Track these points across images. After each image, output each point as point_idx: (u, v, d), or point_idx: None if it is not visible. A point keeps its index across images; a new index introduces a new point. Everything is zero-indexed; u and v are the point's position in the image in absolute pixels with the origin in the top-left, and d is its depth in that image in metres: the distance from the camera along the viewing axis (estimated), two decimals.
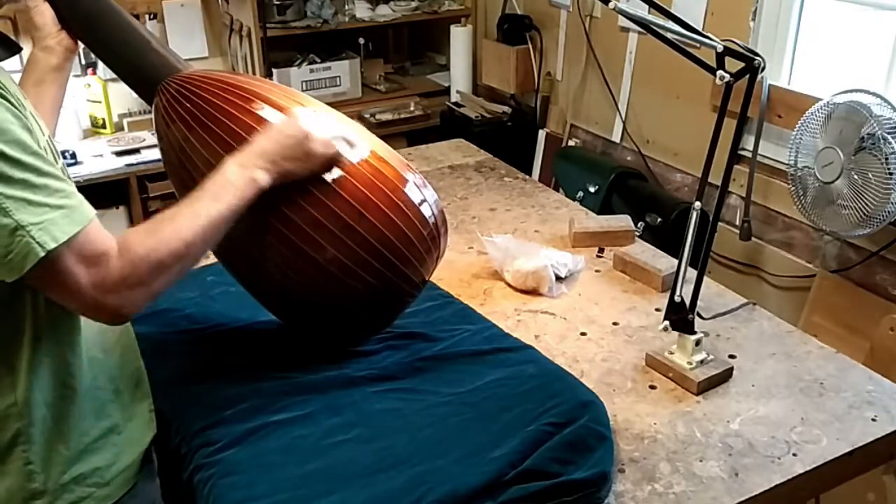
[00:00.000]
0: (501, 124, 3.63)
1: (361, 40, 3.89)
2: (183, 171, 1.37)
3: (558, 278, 1.88)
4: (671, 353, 1.59)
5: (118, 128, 3.55)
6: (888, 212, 2.06)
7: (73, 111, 3.36)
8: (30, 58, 1.33)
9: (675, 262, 1.64)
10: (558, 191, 2.99)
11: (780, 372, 1.60)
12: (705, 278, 1.59)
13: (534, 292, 1.85)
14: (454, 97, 3.90)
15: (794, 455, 1.38)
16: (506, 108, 3.69)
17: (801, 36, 2.56)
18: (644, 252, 2.00)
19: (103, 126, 3.51)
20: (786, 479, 1.34)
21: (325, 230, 1.32)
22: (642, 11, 1.47)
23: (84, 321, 1.12)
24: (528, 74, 3.62)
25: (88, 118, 3.51)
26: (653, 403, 1.51)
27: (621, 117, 3.21)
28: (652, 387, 1.56)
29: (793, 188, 2.31)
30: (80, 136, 3.46)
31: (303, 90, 3.62)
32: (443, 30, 3.98)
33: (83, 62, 3.36)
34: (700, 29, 1.43)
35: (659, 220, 2.75)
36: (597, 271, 1.97)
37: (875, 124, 2.05)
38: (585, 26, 3.27)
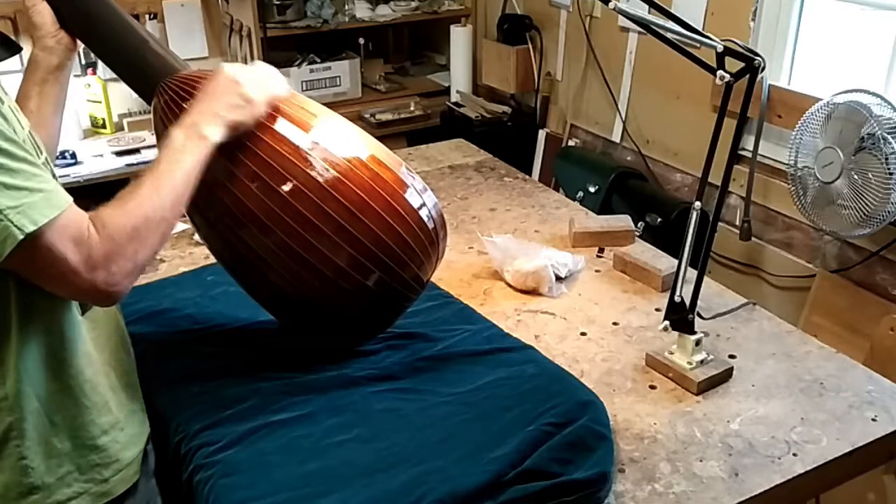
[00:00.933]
0: (501, 124, 3.63)
1: (361, 40, 3.89)
2: None
3: (558, 278, 1.88)
4: (671, 353, 1.59)
5: (118, 128, 3.55)
6: (888, 212, 2.06)
7: (73, 111, 3.36)
8: (31, 58, 1.33)
9: (675, 262, 1.64)
10: (558, 191, 2.98)
11: (780, 372, 1.60)
12: (705, 278, 1.59)
13: (534, 292, 1.85)
14: (454, 97, 3.90)
15: (794, 455, 1.38)
16: (506, 108, 3.68)
17: (801, 36, 2.56)
18: (644, 252, 2.00)
19: (103, 126, 3.51)
20: (786, 479, 1.34)
21: (324, 235, 1.32)
22: (642, 11, 1.47)
23: (74, 316, 1.12)
24: (528, 74, 3.62)
25: (88, 118, 3.51)
26: (653, 403, 1.51)
27: (621, 117, 3.21)
28: (652, 387, 1.56)
29: (793, 188, 2.31)
30: (80, 136, 3.46)
31: (303, 90, 3.62)
32: (443, 30, 3.98)
33: (83, 62, 3.36)
34: (700, 29, 1.43)
35: (659, 220, 2.75)
36: (597, 271, 1.97)
37: (875, 124, 2.05)
38: (585, 26, 3.27)
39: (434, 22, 3.95)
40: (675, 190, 3.01)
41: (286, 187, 1.30)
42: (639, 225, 2.68)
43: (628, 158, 3.21)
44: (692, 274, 1.56)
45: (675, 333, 1.58)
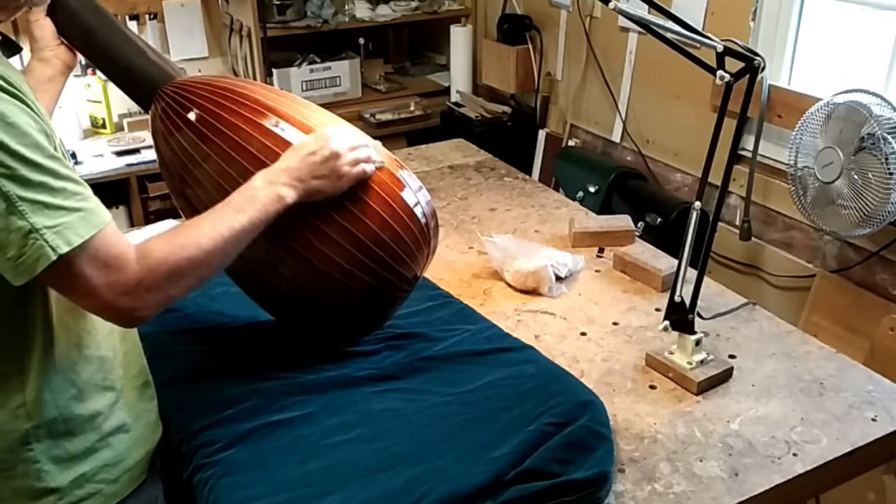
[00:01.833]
0: (501, 124, 3.63)
1: (361, 40, 3.89)
2: (180, 180, 1.39)
3: (558, 278, 1.88)
4: (671, 353, 1.59)
5: (118, 128, 3.55)
6: (888, 212, 2.06)
7: (73, 111, 3.36)
8: (27, 67, 1.34)
9: (675, 262, 1.65)
10: (558, 191, 2.99)
11: (780, 372, 1.60)
12: (705, 278, 1.59)
13: (534, 292, 1.86)
14: (454, 97, 3.90)
15: (794, 455, 1.38)
16: (506, 108, 3.68)
17: (801, 36, 2.56)
18: (644, 252, 2.00)
19: (103, 126, 3.51)
20: (786, 479, 1.34)
21: (329, 238, 1.34)
22: (642, 11, 1.47)
23: (94, 321, 1.12)
24: (528, 74, 3.62)
25: (88, 118, 3.51)
26: (653, 403, 1.51)
27: (621, 117, 3.21)
28: (652, 387, 1.56)
29: (793, 188, 2.31)
30: (80, 136, 3.46)
31: (303, 90, 3.62)
32: (443, 30, 3.98)
33: (83, 62, 3.35)
34: (700, 29, 1.43)
35: (659, 220, 2.75)
36: (597, 271, 1.97)
37: (875, 124, 2.05)
38: (585, 26, 3.27)
39: (434, 22, 3.95)
40: (675, 190, 3.01)
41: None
42: (639, 225, 2.68)
43: (628, 158, 3.21)
44: (692, 274, 1.56)
45: (675, 333, 1.58)
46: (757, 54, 1.41)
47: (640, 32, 3.00)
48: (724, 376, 1.57)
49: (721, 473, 1.34)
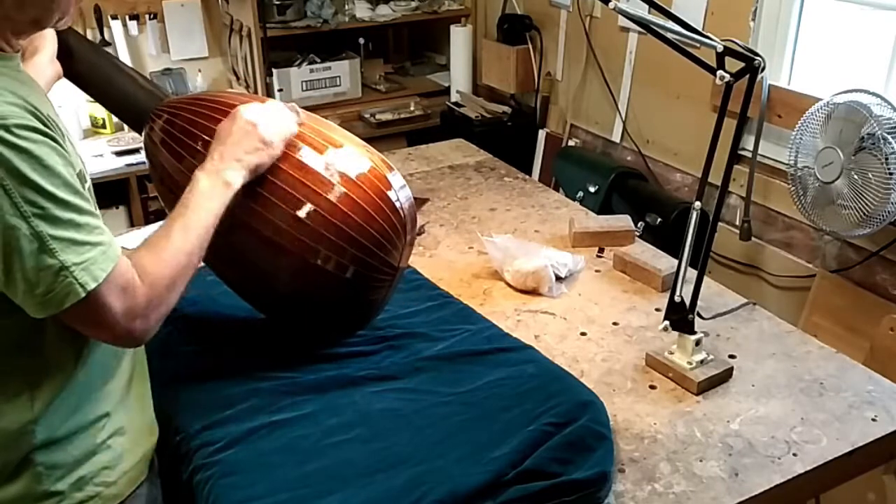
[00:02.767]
0: (501, 124, 3.63)
1: (361, 40, 3.88)
2: (172, 196, 1.43)
3: (558, 278, 1.88)
4: (671, 353, 1.59)
5: (118, 128, 3.54)
6: (888, 212, 2.06)
7: (73, 111, 3.36)
8: None
9: (675, 262, 1.65)
10: (558, 191, 2.98)
11: (779, 372, 1.60)
12: (705, 278, 1.59)
13: (534, 292, 1.85)
14: (454, 97, 3.90)
15: (794, 455, 1.38)
16: (506, 108, 3.68)
17: (801, 36, 2.56)
18: (644, 252, 2.00)
19: (103, 126, 3.51)
20: (786, 479, 1.34)
21: (324, 238, 1.37)
22: (642, 11, 1.47)
23: None
24: (528, 74, 3.62)
25: (88, 118, 3.51)
26: (653, 403, 1.51)
27: (621, 117, 3.21)
28: (652, 387, 1.56)
29: (793, 188, 2.31)
30: (80, 136, 3.46)
31: (303, 90, 3.62)
32: (443, 30, 3.98)
33: None
34: (700, 29, 1.43)
35: (659, 220, 2.75)
36: (597, 271, 1.97)
37: (875, 124, 2.05)
38: (585, 26, 3.27)
39: (434, 22, 3.95)
40: (675, 190, 3.01)
41: (302, 212, 1.35)
42: (639, 225, 2.68)
43: (628, 158, 3.21)
44: (692, 274, 1.56)
45: (675, 333, 1.58)
46: (757, 54, 1.41)
47: (640, 32, 3.00)
48: (724, 376, 1.57)
49: (721, 473, 1.34)
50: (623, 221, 2.13)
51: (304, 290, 1.43)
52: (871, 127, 2.06)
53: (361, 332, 1.60)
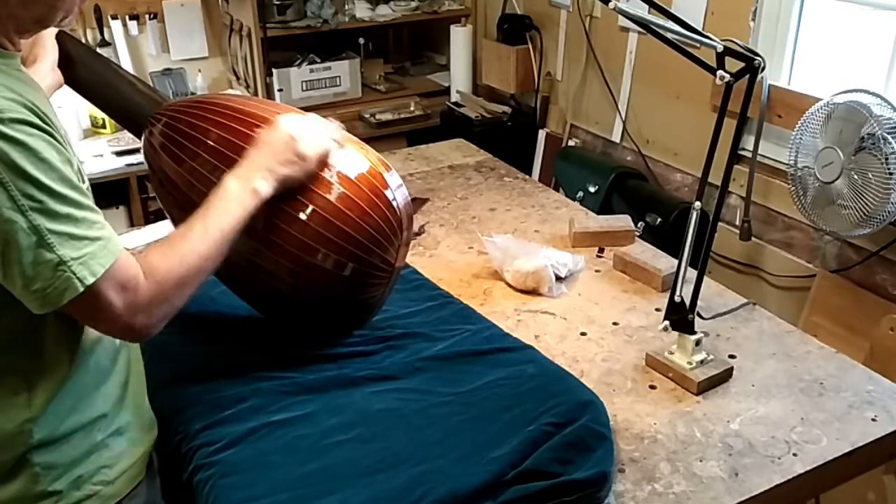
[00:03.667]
0: (501, 124, 3.63)
1: (361, 40, 3.88)
2: (171, 198, 1.45)
3: (558, 278, 1.88)
4: (671, 353, 1.59)
5: (118, 128, 3.53)
6: (888, 212, 2.06)
7: (73, 111, 3.35)
8: None
9: (675, 262, 1.65)
10: (558, 191, 2.98)
11: (779, 372, 1.60)
12: (705, 278, 1.59)
13: (534, 292, 1.85)
14: (454, 97, 3.90)
15: (794, 455, 1.38)
16: (506, 108, 3.68)
17: (801, 36, 2.56)
18: (644, 252, 2.00)
19: (103, 126, 3.51)
20: (786, 479, 1.34)
21: (324, 238, 1.37)
22: (642, 11, 1.47)
23: (98, 335, 1.13)
24: (528, 74, 3.62)
25: (88, 118, 3.51)
26: (653, 403, 1.51)
27: (621, 117, 3.21)
28: (652, 387, 1.56)
29: (793, 188, 2.31)
30: (80, 137, 3.46)
31: (303, 90, 3.62)
32: (443, 30, 3.98)
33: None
34: (700, 29, 1.43)
35: (659, 220, 2.75)
36: (597, 271, 1.97)
37: (875, 124, 2.05)
38: (585, 26, 3.27)
39: (434, 22, 3.95)
40: (675, 190, 3.01)
41: (303, 214, 1.36)
42: (639, 225, 2.68)
43: (628, 158, 3.21)
44: (692, 274, 1.56)
45: (675, 333, 1.58)
46: (757, 54, 1.41)
47: (640, 32, 3.00)
48: (724, 376, 1.57)
49: (721, 473, 1.34)
50: (623, 221, 2.13)
51: (303, 288, 1.43)
52: (871, 127, 2.06)
53: (361, 332, 1.60)
